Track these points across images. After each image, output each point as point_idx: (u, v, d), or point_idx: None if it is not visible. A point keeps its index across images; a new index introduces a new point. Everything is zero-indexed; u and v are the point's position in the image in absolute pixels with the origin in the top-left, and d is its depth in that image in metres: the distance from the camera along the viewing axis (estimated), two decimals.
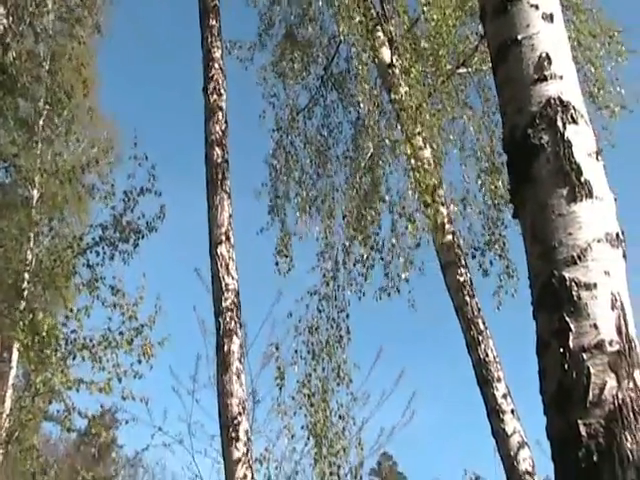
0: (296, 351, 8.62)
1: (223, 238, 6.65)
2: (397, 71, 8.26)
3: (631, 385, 2.08)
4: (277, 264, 9.66)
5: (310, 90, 10.45)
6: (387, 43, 8.83)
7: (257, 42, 10.75)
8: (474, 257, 8.64)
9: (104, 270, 10.46)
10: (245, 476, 5.85)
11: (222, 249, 6.60)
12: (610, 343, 2.11)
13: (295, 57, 10.42)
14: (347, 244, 8.94)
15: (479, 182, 8.91)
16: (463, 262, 8.02)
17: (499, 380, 7.39)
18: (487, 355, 7.52)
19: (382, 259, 8.70)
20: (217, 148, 7.10)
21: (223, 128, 7.25)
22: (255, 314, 9.35)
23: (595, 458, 2.01)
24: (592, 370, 2.08)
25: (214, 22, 7.86)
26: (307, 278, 9.01)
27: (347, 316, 8.73)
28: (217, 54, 7.64)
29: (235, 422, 5.97)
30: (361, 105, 9.43)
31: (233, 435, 5.93)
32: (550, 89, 2.35)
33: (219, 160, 7.04)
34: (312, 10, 10.45)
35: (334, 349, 8.61)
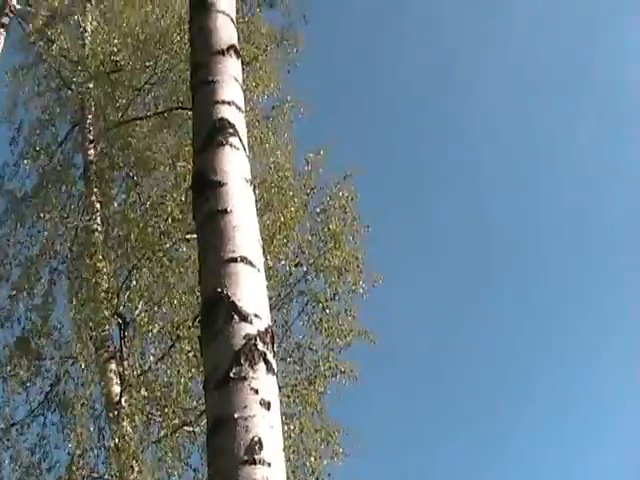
0: None
1: None
2: (123, 411, 8.11)
3: None
4: None
5: (31, 403, 9.58)
6: (119, 380, 8.74)
7: None
8: None
9: None
10: None
11: None
12: None
13: (22, 366, 9.60)
14: None
15: None
16: None
17: None
18: None
19: None
20: None
21: None
22: None
23: None
24: None
25: None
26: None
27: None
28: None
29: None
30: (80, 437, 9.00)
31: None
32: (257, 474, 2.36)
33: None
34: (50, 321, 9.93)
35: None
